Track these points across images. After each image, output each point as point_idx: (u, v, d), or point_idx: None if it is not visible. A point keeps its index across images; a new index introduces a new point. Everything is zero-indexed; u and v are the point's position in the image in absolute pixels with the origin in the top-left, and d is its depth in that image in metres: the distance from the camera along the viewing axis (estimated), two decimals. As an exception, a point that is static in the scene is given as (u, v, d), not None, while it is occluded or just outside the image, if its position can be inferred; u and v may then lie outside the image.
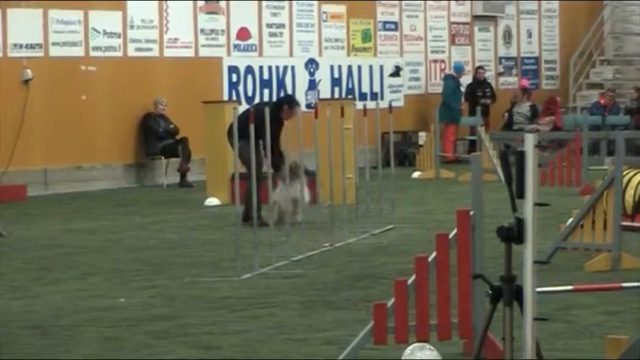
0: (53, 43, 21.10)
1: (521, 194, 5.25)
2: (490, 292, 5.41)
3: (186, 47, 22.98)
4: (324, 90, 25.02)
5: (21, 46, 19.97)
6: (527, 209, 5.26)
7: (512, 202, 5.29)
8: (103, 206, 19.03)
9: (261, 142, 13.69)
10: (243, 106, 20.90)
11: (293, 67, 24.94)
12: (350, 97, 23.54)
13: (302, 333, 9.15)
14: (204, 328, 9.21)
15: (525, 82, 28.84)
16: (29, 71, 19.73)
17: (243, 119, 13.52)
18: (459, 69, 26.95)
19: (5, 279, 10.85)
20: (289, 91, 24.16)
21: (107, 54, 21.63)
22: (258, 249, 11.91)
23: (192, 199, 19.46)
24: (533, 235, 5.29)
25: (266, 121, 13.15)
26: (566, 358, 8.17)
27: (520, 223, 5.23)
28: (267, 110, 13.55)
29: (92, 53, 21.56)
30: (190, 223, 16.43)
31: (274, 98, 23.49)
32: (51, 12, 21.09)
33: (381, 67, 26.65)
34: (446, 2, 28.55)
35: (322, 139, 15.08)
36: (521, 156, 5.18)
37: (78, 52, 21.34)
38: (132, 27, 22.30)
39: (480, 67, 27.88)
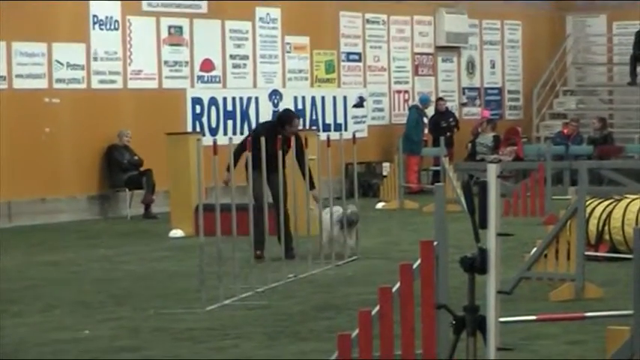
0: (17, 76, 21.18)
1: (484, 224, 5.19)
2: (454, 322, 5.38)
3: (150, 79, 23.00)
4: None
5: (-16, 79, 20.51)
6: (490, 239, 5.21)
7: (475, 233, 5.24)
8: (68, 238, 18.97)
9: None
10: (208, 138, 20.96)
11: (257, 98, 24.86)
12: (314, 128, 23.68)
13: (267, 365, 8.99)
14: (168, 361, 9.34)
15: (487, 113, 28.65)
16: (-8, 104, 19.62)
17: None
18: (425, 101, 26.72)
19: (-31, 312, 10.83)
20: (252, 123, 23.90)
21: (71, 86, 21.68)
22: (222, 280, 11.88)
23: (156, 230, 19.46)
24: (497, 265, 5.22)
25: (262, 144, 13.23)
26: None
27: (483, 253, 5.19)
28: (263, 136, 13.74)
29: (56, 85, 21.62)
30: (154, 255, 16.42)
31: (238, 130, 23.62)
32: (15, 44, 21.12)
33: (345, 98, 26.74)
34: (409, 33, 28.10)
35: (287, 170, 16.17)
36: (483, 186, 5.14)
37: (41, 84, 21.41)
38: (95, 59, 22.26)
39: (440, 99, 27.72)
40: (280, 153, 15.18)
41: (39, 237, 19.12)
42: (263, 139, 13.71)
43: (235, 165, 13.70)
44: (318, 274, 14.32)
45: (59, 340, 10.04)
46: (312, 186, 15.58)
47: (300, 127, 19.53)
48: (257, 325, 11.06)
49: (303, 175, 15.38)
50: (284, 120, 16.12)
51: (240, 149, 14.50)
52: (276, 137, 15.21)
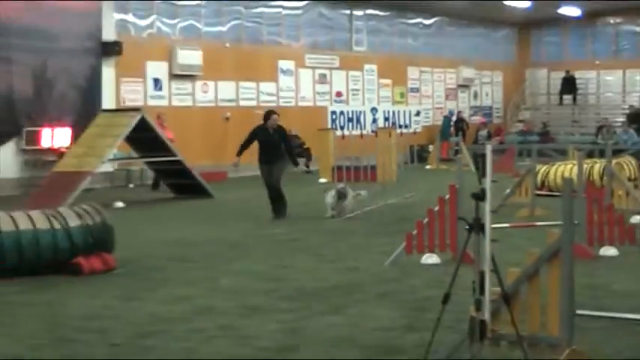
0: (242, 99, 27.82)
1: (484, 175, 6.50)
2: (468, 226, 6.58)
3: (309, 101, 28.79)
4: (380, 123, 33.16)
5: None
6: (487, 183, 6.44)
7: (479, 180, 6.53)
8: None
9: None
10: (339, 132, 28.10)
11: (364, 111, 32.51)
12: (393, 125, 31.60)
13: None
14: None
15: (483, 119, 35.58)
16: None
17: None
18: (451, 113, 34.74)
19: None
20: (363, 124, 30.51)
21: (270, 104, 27.14)
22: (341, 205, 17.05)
23: (312, 179, 25.61)
24: (490, 196, 6.44)
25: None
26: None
27: (483, 190, 6.40)
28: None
29: (261, 104, 27.99)
30: (313, 190, 20.82)
31: (354, 128, 29.84)
32: (241, 83, 27.72)
33: (410, 111, 34.77)
34: (443, 77, 36.00)
35: (378, 149, 24.25)
36: (483, 156, 6.88)
37: (253, 103, 27.55)
38: (282, 90, 28.87)
39: (460, 112, 35.28)
40: (272, 141, 16.92)
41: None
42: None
43: (241, 152, 17.01)
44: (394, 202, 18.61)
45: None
46: (295, 163, 17.55)
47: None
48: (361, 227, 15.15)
49: (290, 156, 17.27)
50: (265, 117, 17.25)
51: (246, 142, 17.27)
52: (267, 131, 16.98)
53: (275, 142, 16.56)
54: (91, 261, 11.31)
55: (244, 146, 16.75)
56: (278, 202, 16.63)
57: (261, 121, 17.01)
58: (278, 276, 11.12)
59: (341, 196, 16.85)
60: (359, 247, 13.15)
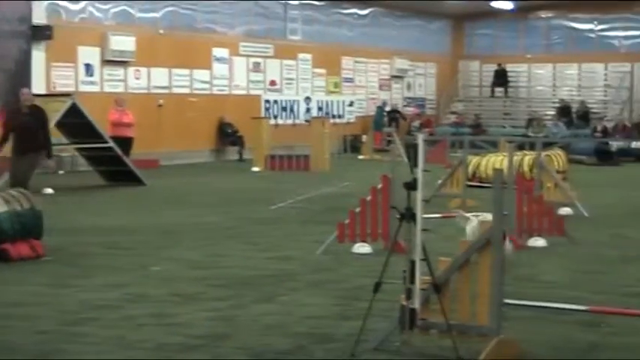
0: (175, 87, 27.75)
1: (415, 165, 6.63)
2: (399, 215, 6.74)
3: (243, 89, 28.80)
4: (314, 112, 32.91)
5: None
6: (419, 173, 6.59)
7: (411, 169, 6.61)
8: (200, 170, 24.77)
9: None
10: (272, 120, 28.02)
11: (298, 100, 32.79)
12: (327, 115, 32.26)
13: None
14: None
15: (416, 110, 36.92)
16: None
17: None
18: (384, 104, 35.20)
19: None
20: (296, 114, 30.49)
21: (204, 92, 28.35)
22: (279, 194, 18.16)
23: (245, 167, 25.77)
24: (421, 186, 6.62)
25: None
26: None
27: (415, 180, 6.58)
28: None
29: (194, 91, 28.38)
30: (245, 179, 22.28)
31: (288, 116, 30.02)
32: (174, 70, 27.61)
33: (344, 101, 34.99)
34: (377, 68, 36.28)
35: (312, 139, 24.39)
36: (415, 146, 6.57)
37: (187, 90, 27.65)
38: (215, 78, 28.85)
39: (394, 104, 35.80)
40: (26, 126, 14.35)
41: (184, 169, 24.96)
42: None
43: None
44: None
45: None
46: (49, 155, 14.54)
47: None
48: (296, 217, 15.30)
49: (45, 143, 14.51)
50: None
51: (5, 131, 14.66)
52: (20, 112, 14.67)
53: (29, 127, 14.14)
54: (18, 247, 11.18)
55: (3, 137, 14.55)
56: None
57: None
58: (211, 264, 11.10)
59: None
60: (292, 236, 13.28)
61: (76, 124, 20.43)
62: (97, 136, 20.88)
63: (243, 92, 30.64)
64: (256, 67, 31.10)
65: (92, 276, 10.32)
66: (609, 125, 34.86)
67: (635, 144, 31.30)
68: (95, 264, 11.16)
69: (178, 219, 15.41)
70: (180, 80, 28.67)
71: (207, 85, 29.49)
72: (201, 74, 29.35)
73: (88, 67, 26.38)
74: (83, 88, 25.99)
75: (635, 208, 17.42)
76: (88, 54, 26.35)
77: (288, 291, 9.58)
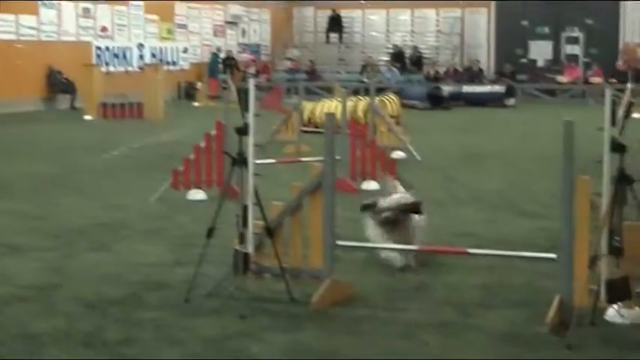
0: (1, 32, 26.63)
1: (247, 109, 6.81)
2: (232, 162, 6.83)
3: (73, 35, 27.95)
4: (147, 59, 32.06)
5: None
6: (250, 118, 6.83)
7: (242, 114, 6.84)
8: (32, 119, 24.02)
9: None
10: (104, 68, 27.74)
11: (130, 48, 32.02)
12: (160, 62, 31.01)
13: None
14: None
15: (250, 56, 36.59)
16: None
17: None
18: (219, 50, 34.99)
19: None
20: (129, 60, 30.10)
21: (31, 38, 27.40)
22: (115, 141, 20.06)
23: (77, 115, 25.32)
24: (253, 131, 6.77)
25: None
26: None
27: (246, 125, 6.79)
28: None
29: (22, 38, 27.23)
30: (77, 128, 21.95)
31: (122, 64, 29.64)
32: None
33: (177, 48, 34.63)
34: (211, 14, 35.95)
35: (145, 86, 24.37)
36: (246, 91, 6.75)
37: (12, 37, 26.71)
38: (43, 24, 27.55)
39: (229, 51, 35.50)
40: None
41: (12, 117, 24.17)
42: None
43: None
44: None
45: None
46: None
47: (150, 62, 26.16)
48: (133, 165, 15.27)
49: None
50: None
51: None
52: None
53: None
54: None
55: None
56: None
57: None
58: (42, 215, 10.95)
59: None
60: (126, 185, 13.23)
61: None
62: None
63: (73, 39, 29.84)
64: (86, 13, 30.34)
65: None
66: (441, 70, 35.60)
67: (465, 88, 31.94)
68: None
69: (7, 169, 15.06)
70: (4, 26, 27.56)
71: (34, 32, 28.55)
72: (28, 19, 28.32)
73: None
74: None
75: (465, 152, 17.84)
76: None
77: (122, 240, 9.54)
